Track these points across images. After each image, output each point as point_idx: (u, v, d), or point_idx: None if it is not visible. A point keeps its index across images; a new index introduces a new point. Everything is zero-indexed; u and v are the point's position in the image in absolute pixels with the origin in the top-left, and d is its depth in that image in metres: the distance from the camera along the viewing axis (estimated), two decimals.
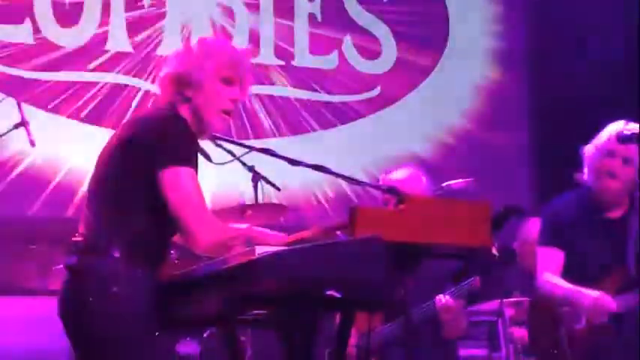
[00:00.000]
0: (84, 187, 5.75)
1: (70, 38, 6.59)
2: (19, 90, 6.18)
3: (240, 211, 4.99)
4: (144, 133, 3.05)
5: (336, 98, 7.28)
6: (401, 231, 2.91)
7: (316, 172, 3.27)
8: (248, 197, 5.48)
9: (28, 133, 5.23)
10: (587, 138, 4.33)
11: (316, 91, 7.22)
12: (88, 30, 6.64)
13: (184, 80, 3.14)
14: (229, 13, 7.05)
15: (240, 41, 6.87)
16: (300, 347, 3.01)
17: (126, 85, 6.67)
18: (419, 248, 3.02)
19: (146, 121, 3.13)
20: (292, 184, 6.54)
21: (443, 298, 4.63)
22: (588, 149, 4.26)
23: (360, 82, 7.34)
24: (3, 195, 6.24)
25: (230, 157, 3.53)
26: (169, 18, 6.87)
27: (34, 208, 6.30)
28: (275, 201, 5.58)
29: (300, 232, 3.12)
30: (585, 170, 4.28)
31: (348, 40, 7.33)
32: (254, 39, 7.06)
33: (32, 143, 5.24)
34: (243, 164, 4.95)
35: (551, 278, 4.21)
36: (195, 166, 3.04)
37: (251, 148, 3.37)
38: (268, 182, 5.18)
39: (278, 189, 5.19)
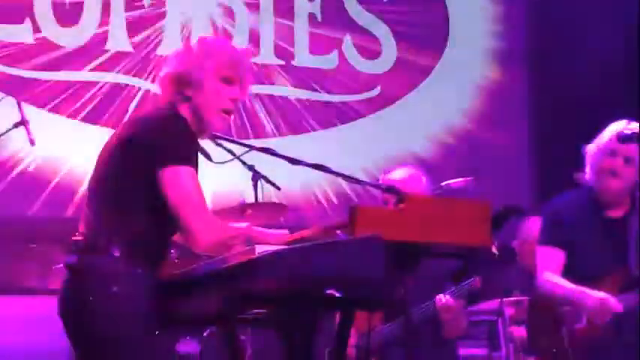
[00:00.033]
0: (84, 187, 5.77)
1: (70, 38, 6.60)
2: (19, 89, 6.19)
3: (240, 210, 4.99)
4: (144, 132, 3.05)
5: (336, 98, 7.28)
6: (401, 230, 2.91)
7: (316, 171, 3.27)
8: (248, 196, 5.48)
9: (28, 133, 5.23)
10: (587, 138, 4.33)
11: (316, 90, 7.22)
12: (88, 30, 6.64)
13: (184, 80, 3.14)
14: (229, 12, 7.05)
15: (240, 41, 6.87)
16: (300, 346, 3.01)
17: (126, 85, 6.67)
18: (419, 247, 3.02)
19: (146, 121, 3.14)
20: (292, 183, 6.54)
21: (443, 298, 4.63)
22: (590, 148, 4.27)
23: (360, 82, 7.34)
24: (3, 194, 6.24)
25: (230, 157, 3.53)
26: (169, 18, 6.87)
27: (34, 208, 6.30)
28: (275, 200, 5.58)
29: (300, 231, 3.12)
30: (587, 169, 4.28)
31: (348, 40, 7.33)
32: (254, 39, 7.07)
33: (32, 142, 5.24)
34: (244, 163, 4.94)
35: (552, 277, 4.21)
36: (195, 165, 3.04)
37: (251, 148, 3.37)
38: (268, 181, 5.18)
39: (278, 188, 5.18)
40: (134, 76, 6.68)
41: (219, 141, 3.37)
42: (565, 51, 7.47)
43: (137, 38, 6.76)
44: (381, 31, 7.42)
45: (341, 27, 7.33)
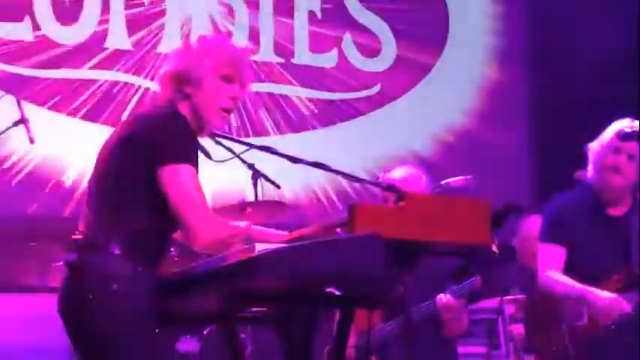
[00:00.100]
0: (83, 185, 5.77)
1: (69, 36, 6.59)
2: (19, 87, 6.18)
3: (240, 208, 4.99)
4: (144, 130, 3.05)
5: (335, 96, 7.28)
6: (400, 228, 2.91)
7: (316, 169, 3.27)
8: (248, 195, 5.48)
9: (28, 131, 5.23)
10: (587, 137, 4.33)
11: (316, 88, 7.21)
12: (87, 27, 6.64)
13: (184, 78, 3.14)
14: (229, 10, 7.04)
15: (240, 39, 6.86)
16: (299, 344, 3.01)
17: (125, 83, 6.67)
18: (418, 246, 3.02)
19: (146, 119, 3.13)
20: (292, 181, 6.53)
21: (444, 298, 4.62)
22: (593, 146, 4.27)
23: (359, 80, 7.34)
24: (2, 192, 6.24)
25: (230, 155, 3.53)
26: (169, 16, 6.87)
27: (34, 206, 6.30)
28: (275, 198, 5.57)
29: (300, 229, 3.12)
30: (590, 167, 4.29)
31: (347, 38, 7.33)
32: (254, 36, 7.06)
33: (32, 141, 5.24)
34: (243, 162, 4.94)
35: (554, 275, 4.21)
36: (195, 163, 3.03)
37: (251, 146, 3.36)
38: (268, 180, 5.18)
39: (278, 186, 5.18)
40: (134, 74, 6.68)
41: (219, 139, 3.36)
42: (565, 50, 7.47)
43: (137, 36, 6.76)
44: (381, 28, 7.42)
45: (341, 25, 7.32)
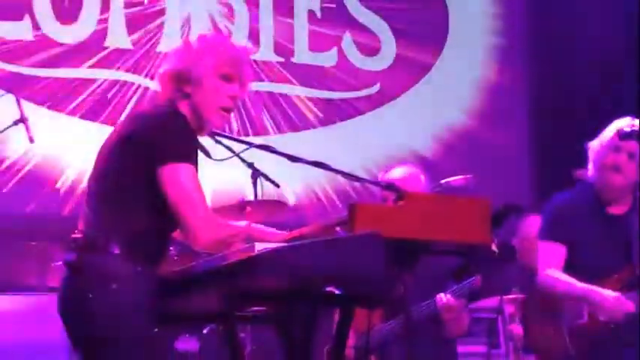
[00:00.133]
0: (83, 184, 5.77)
1: (69, 35, 6.59)
2: (19, 86, 6.17)
3: (239, 207, 4.98)
4: (143, 129, 3.05)
5: (335, 95, 7.28)
6: (400, 228, 2.91)
7: (316, 168, 3.26)
8: (248, 194, 5.48)
9: (27, 130, 5.23)
10: (587, 136, 4.33)
11: (316, 87, 7.21)
12: (87, 27, 6.64)
13: (184, 77, 3.13)
14: (229, 9, 7.04)
15: (240, 38, 6.86)
16: (299, 344, 3.01)
17: (125, 82, 6.66)
18: (418, 245, 3.01)
19: (146, 118, 3.13)
20: (292, 180, 6.53)
21: (444, 297, 4.62)
22: (593, 145, 4.27)
23: (359, 79, 7.34)
24: (2, 192, 6.24)
25: (230, 154, 3.52)
26: (169, 15, 6.87)
27: (33, 205, 6.29)
28: (274, 198, 5.57)
29: (300, 228, 3.11)
30: (590, 165, 4.28)
31: (347, 37, 7.32)
32: (253, 36, 7.06)
33: (31, 140, 5.24)
34: (243, 161, 4.94)
35: (554, 273, 4.20)
36: (195, 162, 3.03)
37: (251, 145, 3.36)
38: (268, 179, 5.17)
39: (277, 186, 5.18)
40: (133, 73, 6.68)
41: (219, 138, 3.36)
42: (565, 50, 7.47)
43: (136, 35, 6.75)
44: (381, 28, 7.41)
45: (340, 24, 7.32)
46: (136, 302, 2.96)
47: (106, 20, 6.69)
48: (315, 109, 7.18)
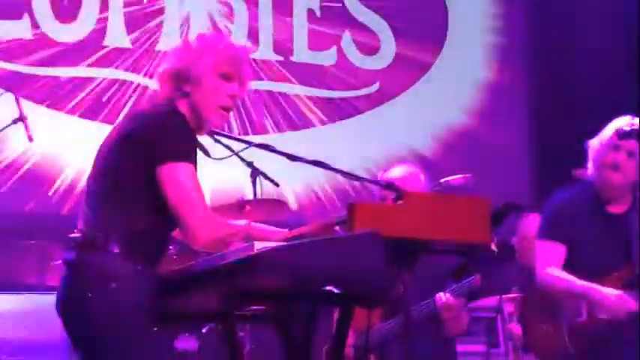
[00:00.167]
0: (82, 183, 5.76)
1: (68, 33, 6.59)
2: (18, 85, 6.17)
3: (239, 206, 4.98)
4: (143, 128, 3.04)
5: (335, 94, 7.27)
6: (399, 227, 2.90)
7: (315, 167, 3.26)
8: (247, 193, 5.47)
9: (27, 129, 5.22)
10: (587, 135, 4.33)
11: (315, 86, 7.21)
12: (86, 25, 6.64)
13: (183, 76, 3.13)
14: (228, 8, 7.04)
15: (239, 37, 6.86)
16: (298, 343, 3.01)
17: (124, 81, 6.66)
18: (418, 244, 3.01)
19: (145, 117, 3.13)
20: (291, 179, 6.53)
21: (443, 297, 4.62)
22: (593, 143, 4.27)
23: (359, 78, 7.33)
24: (1, 190, 6.24)
25: (229, 153, 3.52)
26: (168, 14, 6.86)
27: (33, 204, 6.29)
28: (274, 197, 5.57)
29: (299, 227, 3.11)
30: (590, 164, 4.28)
31: (347, 36, 7.32)
32: (253, 34, 7.06)
33: (30, 138, 5.24)
34: (242, 160, 4.93)
35: (554, 271, 4.20)
36: (194, 161, 3.03)
37: (250, 144, 3.36)
38: (267, 178, 5.17)
39: (277, 185, 5.17)
40: (132, 72, 6.68)
41: (218, 137, 3.36)
42: (565, 49, 7.47)
43: (135, 34, 6.75)
44: (380, 27, 7.41)
45: (340, 23, 7.32)
46: (135, 301, 2.95)
47: (105, 19, 6.68)
48: (314, 108, 7.17)
